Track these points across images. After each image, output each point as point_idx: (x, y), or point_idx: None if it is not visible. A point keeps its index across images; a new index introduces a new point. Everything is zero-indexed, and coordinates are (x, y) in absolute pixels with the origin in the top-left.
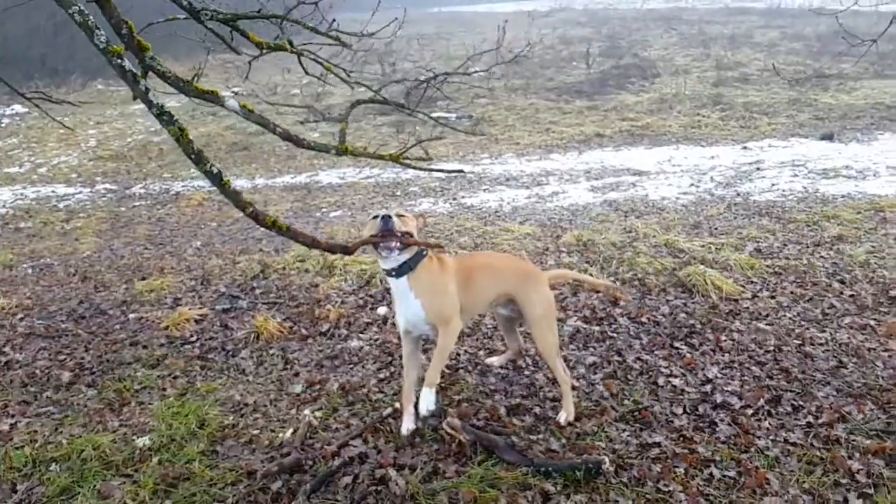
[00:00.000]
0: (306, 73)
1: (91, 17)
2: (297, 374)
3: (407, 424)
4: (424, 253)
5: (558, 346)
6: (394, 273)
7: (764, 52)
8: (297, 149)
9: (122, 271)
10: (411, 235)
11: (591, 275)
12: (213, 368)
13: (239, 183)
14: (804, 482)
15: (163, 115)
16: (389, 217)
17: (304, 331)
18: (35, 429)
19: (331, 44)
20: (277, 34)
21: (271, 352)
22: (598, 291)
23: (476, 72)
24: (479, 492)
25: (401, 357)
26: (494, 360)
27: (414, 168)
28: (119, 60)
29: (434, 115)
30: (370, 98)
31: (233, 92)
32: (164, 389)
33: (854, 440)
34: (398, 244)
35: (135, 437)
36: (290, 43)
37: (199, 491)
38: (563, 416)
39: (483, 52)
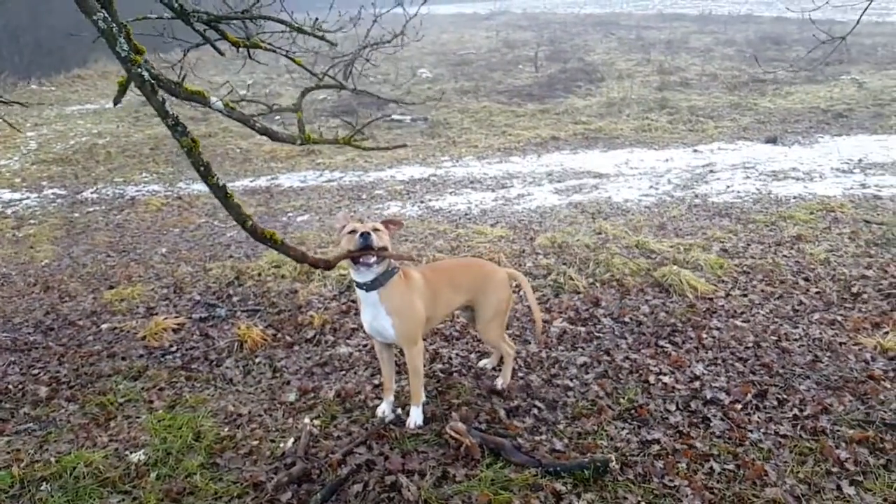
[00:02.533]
0: (287, 70)
1: (114, 25)
2: (287, 383)
3: (385, 410)
4: (395, 269)
5: (503, 334)
6: (365, 287)
7: (700, 58)
8: (252, 152)
9: (87, 280)
10: (386, 249)
11: (570, 277)
12: (199, 379)
13: (196, 187)
14: (798, 472)
15: (177, 126)
16: (369, 234)
17: (288, 338)
18: (17, 447)
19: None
20: (243, 32)
21: (257, 360)
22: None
23: (400, 45)
24: (492, 494)
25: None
26: (487, 363)
27: (363, 149)
28: (139, 70)
29: (389, 117)
30: (316, 84)
31: None
32: (151, 402)
33: (838, 430)
34: (376, 259)
35: (128, 453)
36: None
37: None
38: (500, 382)
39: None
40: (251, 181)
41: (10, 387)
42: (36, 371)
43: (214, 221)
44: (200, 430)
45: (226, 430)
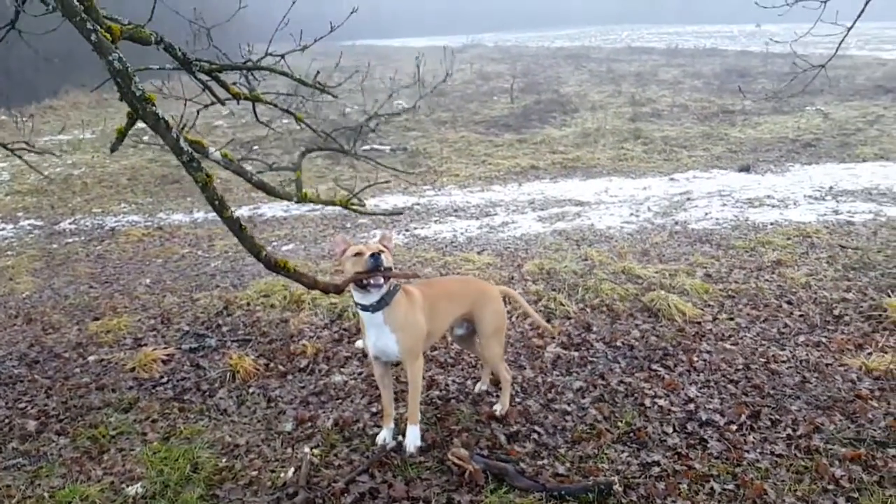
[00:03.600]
0: (258, 120)
1: (129, 65)
2: (283, 413)
3: (385, 437)
4: (397, 287)
5: (503, 354)
6: (370, 308)
7: (670, 90)
8: (233, 182)
9: (70, 312)
10: (391, 269)
11: (561, 303)
12: (193, 410)
13: (177, 217)
14: (796, 490)
15: (192, 161)
16: (378, 255)
17: (281, 367)
18: (7, 483)
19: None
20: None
21: (251, 390)
22: (533, 323)
23: (404, 109)
24: None
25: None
26: (483, 386)
27: (361, 213)
28: (153, 107)
29: (366, 147)
30: (318, 146)
31: None
32: (145, 434)
33: (831, 449)
34: (384, 280)
35: (124, 486)
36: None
37: None
38: (499, 408)
39: (404, 86)
40: (232, 211)
41: None
42: (23, 405)
43: (198, 252)
44: (198, 462)
45: (224, 461)
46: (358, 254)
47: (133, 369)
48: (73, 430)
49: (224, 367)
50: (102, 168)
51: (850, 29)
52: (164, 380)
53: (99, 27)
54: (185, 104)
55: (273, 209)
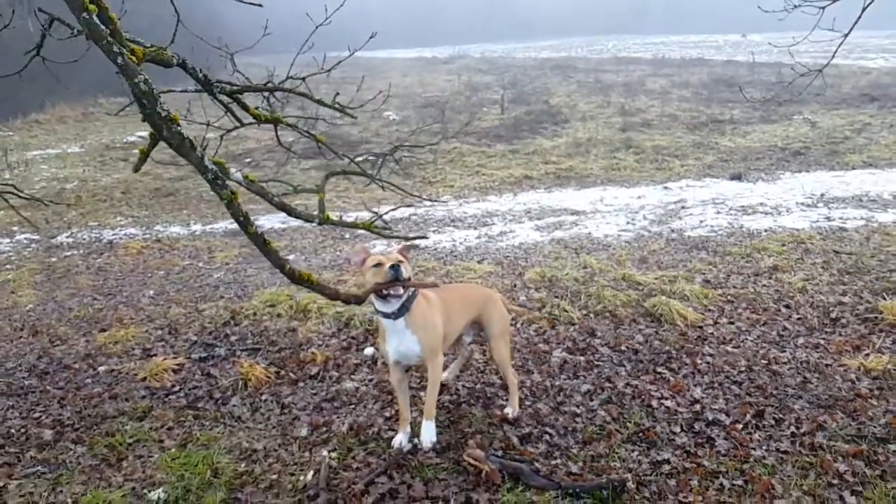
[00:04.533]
0: (279, 143)
1: (155, 87)
2: (297, 418)
3: (402, 440)
4: (416, 293)
5: (510, 356)
6: (392, 315)
7: (659, 100)
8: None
9: (76, 324)
10: (410, 279)
11: (565, 309)
12: (207, 417)
13: (175, 230)
14: (802, 485)
15: (217, 179)
16: (398, 266)
17: (292, 375)
18: (29, 490)
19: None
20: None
21: (263, 398)
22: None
23: (431, 144)
24: None
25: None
26: (447, 374)
27: (384, 237)
28: (178, 127)
29: (360, 158)
30: (342, 170)
31: (139, 137)
32: (161, 441)
33: (834, 445)
34: (403, 290)
35: (146, 491)
36: (278, 119)
37: None
38: (510, 411)
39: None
40: (230, 223)
41: (13, 431)
42: (37, 415)
43: (199, 263)
44: (217, 467)
45: (243, 465)
46: (378, 264)
47: (144, 379)
48: (90, 438)
49: (235, 376)
50: (94, 182)
51: (846, 35)
52: (177, 388)
53: (124, 50)
54: (207, 126)
55: (271, 221)
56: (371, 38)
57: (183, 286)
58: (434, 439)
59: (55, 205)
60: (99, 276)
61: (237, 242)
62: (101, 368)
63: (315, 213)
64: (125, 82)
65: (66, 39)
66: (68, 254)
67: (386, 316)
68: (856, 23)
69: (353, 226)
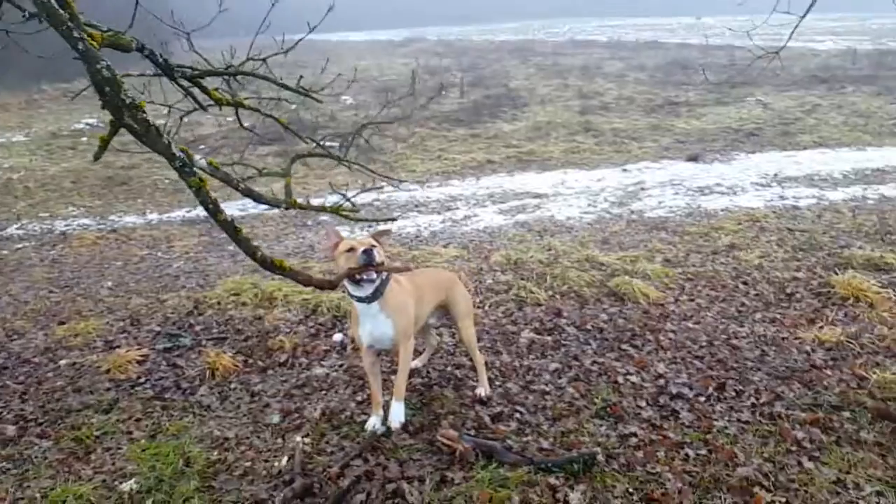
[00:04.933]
0: (241, 126)
1: (118, 74)
2: (268, 406)
3: (375, 423)
4: (389, 277)
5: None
6: (366, 299)
7: (615, 83)
8: (182, 182)
9: (33, 317)
10: (383, 263)
11: (531, 291)
12: (176, 408)
13: (130, 220)
14: (763, 452)
15: (184, 167)
16: (371, 250)
17: (260, 363)
18: None
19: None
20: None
21: (232, 386)
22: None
23: (401, 119)
24: (492, 492)
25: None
26: (418, 362)
27: (352, 220)
28: (143, 114)
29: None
30: (308, 152)
31: (87, 124)
32: (130, 433)
33: (792, 414)
34: (377, 275)
35: (117, 483)
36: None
37: None
38: (482, 391)
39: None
40: (187, 211)
41: None
42: None
43: (157, 253)
44: (189, 456)
45: (215, 454)
46: (350, 249)
47: (108, 371)
48: (55, 432)
49: (202, 365)
50: (42, 171)
51: (802, 17)
52: (142, 380)
53: (85, 35)
54: (168, 111)
55: (230, 208)
56: (329, 10)
57: (142, 277)
58: (402, 420)
59: (2, 195)
60: (54, 269)
61: (196, 231)
62: (63, 362)
63: (281, 198)
64: (85, 69)
65: (20, 23)
66: (19, 246)
67: (360, 300)
68: (812, 5)
69: (321, 209)
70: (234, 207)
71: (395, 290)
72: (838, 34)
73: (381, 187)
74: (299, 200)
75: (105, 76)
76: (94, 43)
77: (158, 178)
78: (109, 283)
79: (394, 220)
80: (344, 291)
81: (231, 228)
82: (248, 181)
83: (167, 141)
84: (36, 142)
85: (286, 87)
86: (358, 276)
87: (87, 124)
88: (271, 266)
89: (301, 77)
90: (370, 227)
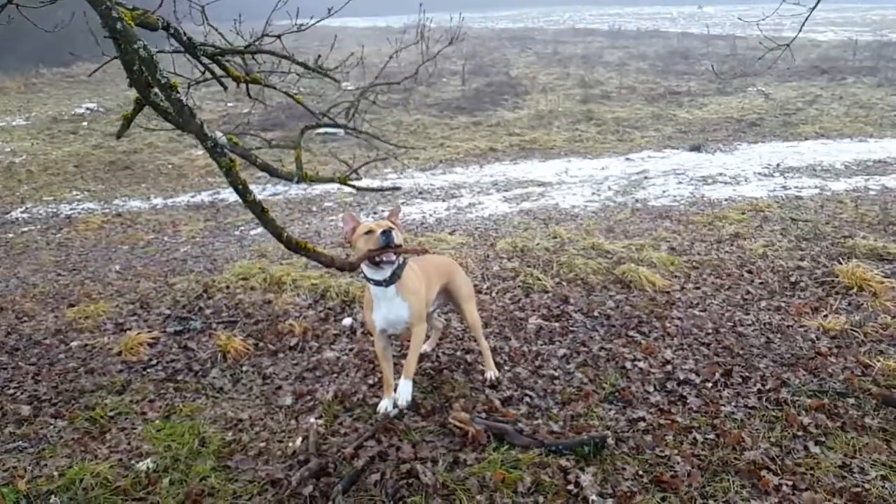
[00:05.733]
0: (249, 96)
1: (155, 54)
2: (280, 388)
3: (387, 406)
4: (406, 261)
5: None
6: (384, 283)
7: (616, 71)
8: (185, 167)
9: (42, 300)
10: (401, 245)
11: (538, 278)
12: (188, 389)
13: (135, 204)
14: (770, 437)
15: (216, 147)
16: (390, 231)
17: (271, 346)
18: (12, 465)
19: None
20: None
21: (244, 369)
22: None
23: (405, 79)
24: (505, 473)
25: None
26: (427, 346)
27: (358, 189)
28: (177, 94)
29: (321, 131)
30: (316, 123)
31: (87, 109)
32: (144, 413)
33: (798, 400)
34: (396, 256)
35: (133, 462)
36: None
37: None
38: (490, 374)
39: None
40: (192, 196)
41: None
42: (11, 391)
43: (164, 238)
44: (204, 437)
45: (230, 434)
46: (369, 231)
47: (120, 353)
48: (69, 412)
49: (213, 348)
50: (45, 155)
51: (812, 9)
52: (154, 362)
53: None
54: (188, 88)
55: (234, 194)
56: (330, 13)
57: (150, 260)
58: (409, 398)
59: (5, 179)
60: (61, 252)
61: (202, 216)
62: (74, 343)
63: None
64: (115, 47)
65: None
66: (25, 229)
67: (377, 283)
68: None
69: (332, 180)
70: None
71: (408, 273)
72: (838, 25)
73: (385, 157)
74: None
75: (142, 56)
76: (131, 22)
77: (162, 164)
78: (117, 267)
79: (398, 188)
80: (360, 275)
81: (259, 209)
82: (257, 151)
83: (200, 121)
84: (37, 126)
85: (304, 66)
86: (378, 258)
87: (88, 108)
88: (296, 247)
89: (319, 56)
90: (379, 206)
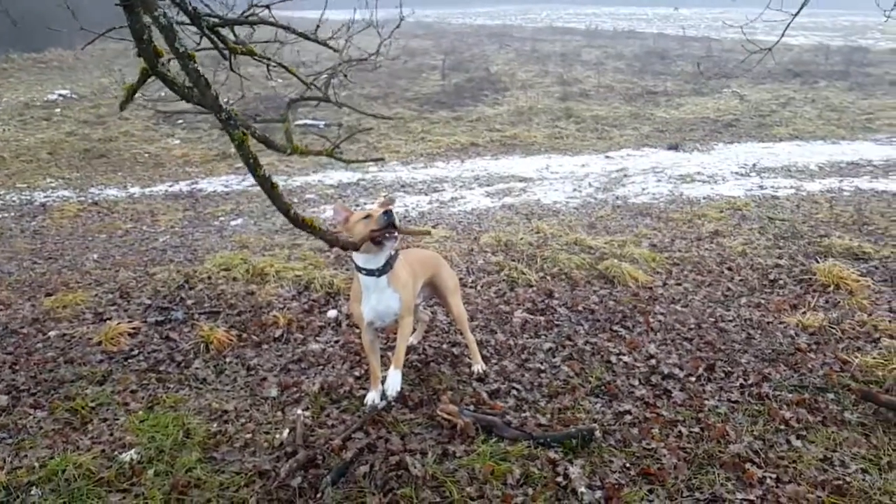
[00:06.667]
0: (237, 74)
1: (174, 22)
2: (265, 380)
3: (374, 398)
4: (398, 252)
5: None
6: (377, 272)
7: (594, 70)
8: (162, 157)
9: (18, 288)
10: (400, 227)
11: (522, 272)
12: (171, 380)
13: (111, 192)
14: (753, 431)
15: (230, 119)
16: (391, 211)
17: (255, 338)
18: None
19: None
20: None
21: (227, 360)
22: None
23: (371, 55)
24: (494, 465)
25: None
26: (413, 339)
27: (346, 161)
28: (194, 64)
29: (300, 122)
30: (301, 96)
31: (60, 95)
32: (126, 404)
33: (779, 395)
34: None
35: (117, 453)
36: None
37: (214, 496)
38: (477, 367)
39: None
40: (170, 186)
41: None
42: None
43: (142, 227)
44: (189, 428)
45: (215, 426)
46: (367, 216)
47: (100, 343)
48: (49, 403)
49: (196, 339)
50: (17, 142)
51: (795, 15)
52: (135, 352)
53: None
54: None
55: (212, 184)
56: None
57: (128, 250)
58: (398, 388)
59: None
60: (36, 240)
61: (180, 206)
62: (52, 333)
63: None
64: (126, 17)
65: None
66: None
67: (369, 273)
68: (805, 3)
69: (319, 153)
70: (217, 184)
71: (399, 265)
72: (809, 29)
73: (371, 129)
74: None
75: (162, 23)
76: None
77: (138, 153)
78: (95, 256)
79: (382, 160)
80: (353, 266)
81: (268, 184)
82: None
83: (215, 93)
84: (8, 112)
85: (306, 37)
86: (380, 238)
87: (61, 95)
88: (302, 224)
89: (318, 26)
90: (361, 199)
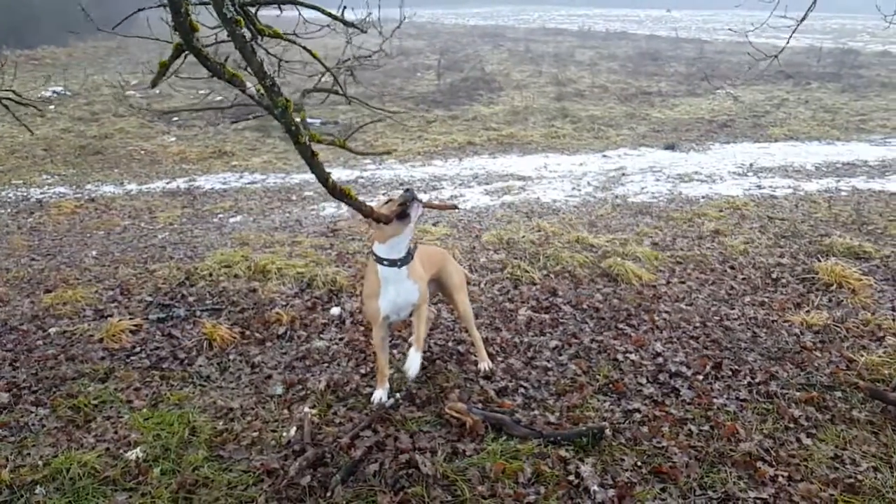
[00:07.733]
0: (314, 56)
1: None
2: (269, 377)
3: (381, 396)
4: (416, 246)
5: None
6: (399, 263)
7: (588, 70)
8: (158, 154)
9: (16, 285)
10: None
11: (525, 270)
12: (174, 378)
13: (108, 189)
14: (763, 429)
15: (273, 86)
16: (411, 189)
17: (258, 335)
18: None
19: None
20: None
21: (231, 357)
22: None
23: (373, 53)
24: (505, 463)
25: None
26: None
27: (354, 153)
28: (241, 30)
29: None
30: (314, 87)
31: (53, 92)
32: (130, 401)
33: (787, 393)
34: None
35: (122, 451)
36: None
37: (222, 495)
38: (484, 365)
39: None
40: (167, 183)
41: None
42: None
43: (141, 224)
44: (195, 426)
45: (221, 423)
46: (389, 200)
47: (101, 340)
48: (51, 400)
49: (199, 336)
50: (12, 138)
51: (802, 19)
52: (137, 349)
53: None
54: (216, 38)
55: (210, 181)
56: None
57: (127, 247)
58: (418, 368)
59: None
60: (33, 236)
61: (178, 203)
62: (53, 330)
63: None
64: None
65: None
66: None
67: (392, 264)
68: (811, 8)
69: (331, 143)
70: (214, 181)
71: (418, 256)
72: (800, 32)
73: (380, 120)
74: (279, 176)
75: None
76: None
77: (134, 149)
78: (94, 253)
79: (389, 153)
80: (374, 258)
81: (308, 152)
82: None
83: (260, 59)
84: (1, 108)
85: (332, 16)
86: (407, 210)
87: (55, 92)
88: (340, 194)
89: (344, 7)
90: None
